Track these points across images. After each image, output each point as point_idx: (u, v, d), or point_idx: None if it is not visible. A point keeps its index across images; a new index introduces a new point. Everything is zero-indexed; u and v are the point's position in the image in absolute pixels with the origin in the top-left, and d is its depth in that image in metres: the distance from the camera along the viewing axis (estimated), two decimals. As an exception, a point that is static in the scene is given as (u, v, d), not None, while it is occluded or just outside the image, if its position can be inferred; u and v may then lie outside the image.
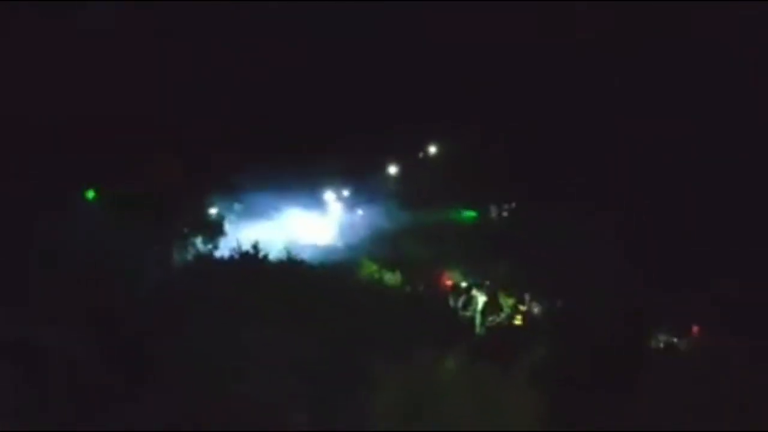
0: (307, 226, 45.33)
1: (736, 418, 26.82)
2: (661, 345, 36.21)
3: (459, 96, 45.77)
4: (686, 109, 43.01)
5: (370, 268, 37.79)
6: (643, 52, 44.29)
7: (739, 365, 29.70)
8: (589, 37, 44.14)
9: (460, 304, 37.14)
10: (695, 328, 36.80)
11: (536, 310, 36.51)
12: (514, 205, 47.07)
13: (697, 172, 42.14)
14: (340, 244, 43.67)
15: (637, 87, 44.04)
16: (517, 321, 36.52)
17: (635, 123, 43.27)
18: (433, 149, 48.92)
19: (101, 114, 37.95)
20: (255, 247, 36.25)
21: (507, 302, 36.84)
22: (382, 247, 41.09)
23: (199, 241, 38.55)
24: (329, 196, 46.98)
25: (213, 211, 39.81)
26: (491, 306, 37.00)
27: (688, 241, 39.97)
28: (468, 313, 36.61)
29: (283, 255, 36.68)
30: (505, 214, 47.01)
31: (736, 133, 42.19)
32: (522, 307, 36.70)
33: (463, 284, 38.00)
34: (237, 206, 42.70)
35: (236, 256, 35.93)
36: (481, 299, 37.25)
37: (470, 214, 46.73)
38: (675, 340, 36.61)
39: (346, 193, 46.45)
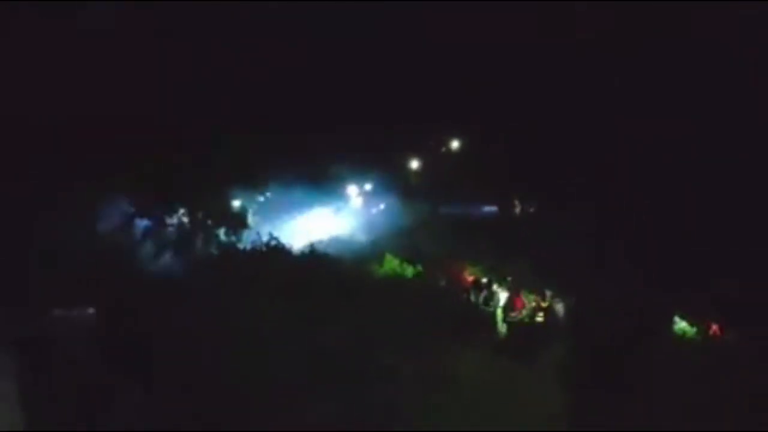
0: (330, 220, 45.51)
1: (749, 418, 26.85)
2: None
3: (481, 92, 45.79)
4: (688, 108, 42.82)
5: (392, 263, 37.78)
6: (643, 52, 44.06)
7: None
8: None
9: (481, 299, 37.00)
10: (714, 326, 36.62)
11: (558, 306, 36.29)
12: (536, 202, 47.06)
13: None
14: (362, 237, 43.74)
15: (641, 86, 43.82)
16: (539, 318, 36.37)
17: (644, 123, 43.20)
18: (455, 144, 48.97)
19: (121, 111, 38.04)
20: (278, 239, 36.51)
21: (529, 298, 36.72)
22: (403, 241, 41.15)
23: (222, 233, 38.67)
24: (351, 190, 47.12)
25: (236, 203, 39.89)
26: (513, 302, 36.84)
27: (702, 238, 39.79)
28: (489, 309, 36.50)
29: (305, 248, 36.84)
30: (531, 210, 47.06)
31: (736, 133, 41.98)
32: (543, 304, 36.50)
33: (484, 280, 37.83)
34: (260, 199, 42.89)
35: (259, 249, 36.15)
36: (502, 295, 37.14)
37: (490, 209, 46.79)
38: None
39: (368, 187, 46.60)
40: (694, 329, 36.40)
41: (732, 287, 36.79)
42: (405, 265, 37.86)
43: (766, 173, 40.58)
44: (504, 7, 44.03)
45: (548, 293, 36.70)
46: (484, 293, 36.95)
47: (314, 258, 35.82)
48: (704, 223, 40.33)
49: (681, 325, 36.43)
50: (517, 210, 46.77)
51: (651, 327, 34.46)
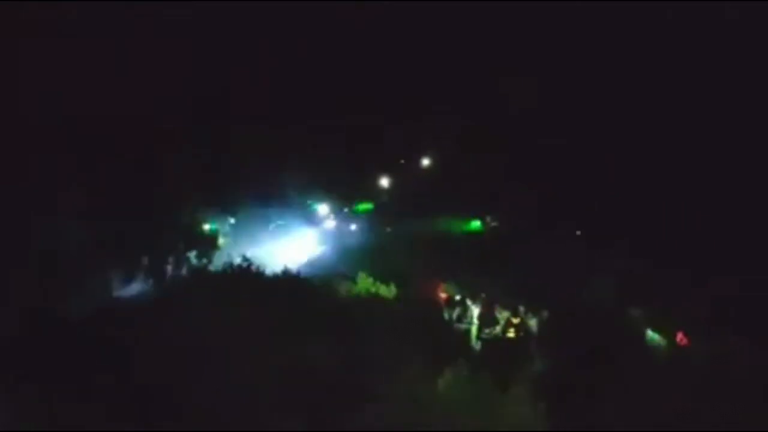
0: (302, 241, 45.38)
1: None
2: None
3: (449, 106, 45.95)
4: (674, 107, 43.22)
5: (366, 282, 37.74)
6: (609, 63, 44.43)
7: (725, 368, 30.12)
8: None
9: (455, 316, 37.03)
10: (680, 335, 36.95)
11: (531, 321, 36.39)
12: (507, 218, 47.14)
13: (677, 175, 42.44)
14: (334, 257, 43.62)
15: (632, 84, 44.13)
16: (510, 334, 36.40)
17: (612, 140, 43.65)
18: (425, 161, 49.05)
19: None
20: (249, 261, 36.40)
21: (502, 315, 36.79)
22: (376, 260, 41.10)
23: (193, 256, 38.52)
24: (323, 209, 47.01)
25: (207, 226, 39.76)
26: (486, 318, 36.88)
27: (669, 252, 40.10)
28: (463, 326, 36.53)
29: (277, 269, 36.72)
30: (494, 224, 47.11)
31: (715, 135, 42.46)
32: (515, 320, 36.55)
33: (458, 297, 37.85)
34: (231, 221, 42.71)
35: (230, 271, 36.01)
36: (476, 311, 37.17)
37: (475, 224, 46.82)
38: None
39: (340, 206, 46.47)
40: (662, 339, 36.75)
41: (698, 299, 37.20)
42: (378, 283, 37.84)
43: (730, 190, 41.02)
44: (468, 24, 44.38)
45: (521, 309, 36.79)
46: (457, 310, 36.99)
47: (287, 279, 35.71)
48: (672, 238, 40.64)
49: (651, 335, 36.71)
50: (489, 226, 46.78)
51: (623, 339, 34.76)
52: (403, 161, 48.86)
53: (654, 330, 36.82)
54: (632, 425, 27.72)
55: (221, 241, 39.60)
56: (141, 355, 27.79)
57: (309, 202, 45.46)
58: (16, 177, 34.65)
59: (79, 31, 37.88)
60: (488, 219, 47.34)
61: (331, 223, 46.89)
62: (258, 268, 36.06)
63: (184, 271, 38.09)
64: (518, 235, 44.07)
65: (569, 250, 40.98)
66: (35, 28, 36.90)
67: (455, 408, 26.33)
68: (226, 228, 41.00)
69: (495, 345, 35.56)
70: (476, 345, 35.87)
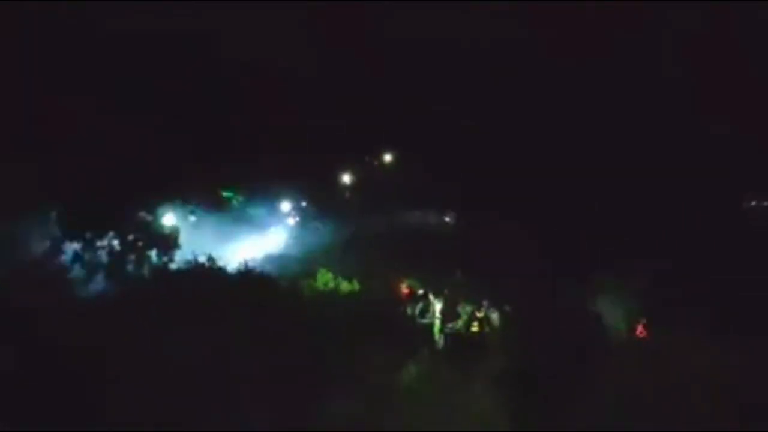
0: (263, 237, 45.26)
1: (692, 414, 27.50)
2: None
3: (411, 107, 46.12)
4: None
5: (326, 277, 37.74)
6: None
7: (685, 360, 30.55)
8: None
9: (417, 311, 37.04)
10: (640, 326, 37.38)
11: (494, 315, 36.54)
12: (467, 213, 47.43)
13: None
14: (296, 254, 43.56)
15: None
16: (474, 328, 36.50)
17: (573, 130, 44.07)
18: (387, 157, 49.15)
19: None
20: (210, 258, 36.20)
21: (465, 309, 36.88)
22: (338, 256, 41.14)
23: (153, 254, 38.15)
24: (285, 206, 46.87)
25: (168, 223, 39.38)
26: (449, 313, 36.95)
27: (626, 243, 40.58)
28: (426, 321, 36.56)
29: (239, 266, 36.57)
30: (447, 219, 47.32)
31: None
32: (479, 314, 36.66)
33: (420, 291, 37.91)
34: (191, 218, 42.42)
35: (191, 268, 35.79)
36: (438, 306, 37.24)
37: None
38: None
39: (301, 203, 46.40)
40: (622, 331, 37.15)
41: (656, 289, 37.69)
42: (339, 279, 37.84)
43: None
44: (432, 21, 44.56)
45: (484, 303, 36.91)
46: (420, 305, 37.01)
47: (248, 276, 35.56)
48: (630, 227, 41.13)
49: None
50: (449, 221, 47.01)
51: (586, 331, 35.09)
52: (366, 158, 48.94)
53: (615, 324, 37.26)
54: (595, 416, 28.02)
55: (182, 238, 39.16)
56: (103, 357, 27.50)
57: (271, 198, 45.36)
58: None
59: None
60: (449, 215, 47.59)
61: (292, 220, 46.80)
62: (219, 266, 35.93)
63: (144, 270, 37.68)
64: (479, 231, 44.31)
65: (529, 246, 41.30)
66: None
67: (418, 401, 26.40)
68: (187, 225, 40.66)
69: (458, 339, 35.66)
70: (439, 339, 35.92)
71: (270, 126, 43.30)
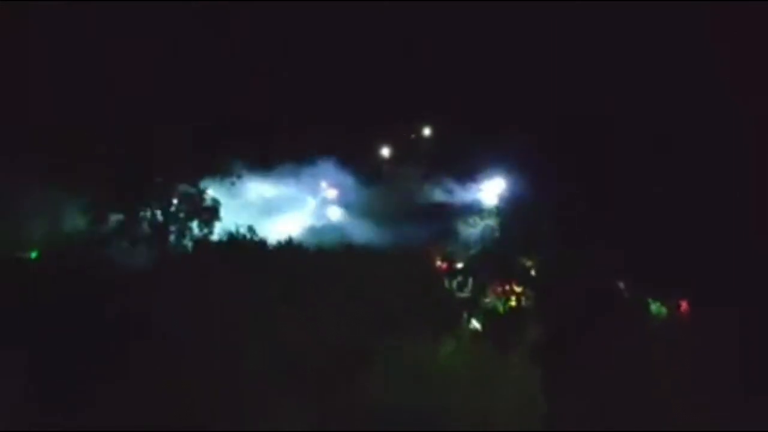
0: (302, 212, 45.40)
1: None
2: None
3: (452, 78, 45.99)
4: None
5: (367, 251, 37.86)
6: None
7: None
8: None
9: (455, 285, 37.22)
10: (684, 304, 37.35)
11: (529, 293, 36.71)
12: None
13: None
14: (334, 228, 43.65)
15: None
16: (512, 302, 36.70)
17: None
18: (427, 131, 48.92)
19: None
20: (252, 230, 36.49)
21: (499, 285, 37.11)
22: (376, 230, 41.22)
23: (195, 226, 38.50)
24: (323, 180, 46.92)
25: (208, 195, 39.69)
26: (485, 288, 37.16)
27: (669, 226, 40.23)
28: (464, 295, 36.73)
29: (279, 240, 36.82)
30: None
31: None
32: (517, 288, 36.86)
33: (459, 266, 38.05)
34: (233, 190, 42.62)
35: (233, 241, 36.15)
36: (472, 281, 37.45)
37: None
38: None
39: (340, 177, 46.36)
40: (664, 309, 37.13)
41: (698, 269, 37.49)
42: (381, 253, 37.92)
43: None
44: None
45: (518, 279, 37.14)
46: (458, 279, 37.19)
47: (289, 249, 35.84)
48: (671, 211, 40.73)
49: (654, 305, 37.06)
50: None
51: (621, 309, 35.14)
52: (408, 133, 48.79)
53: (654, 300, 37.20)
54: (626, 391, 28.20)
55: (222, 211, 39.49)
56: (145, 326, 28.05)
57: (310, 173, 45.42)
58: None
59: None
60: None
61: (332, 193, 46.89)
62: (260, 238, 36.24)
63: (186, 240, 38.08)
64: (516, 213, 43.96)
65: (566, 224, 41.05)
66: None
67: (456, 373, 26.68)
68: (228, 197, 40.93)
69: (494, 314, 35.82)
70: (476, 314, 36.08)
71: (311, 99, 43.47)
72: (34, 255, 35.20)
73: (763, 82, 39.59)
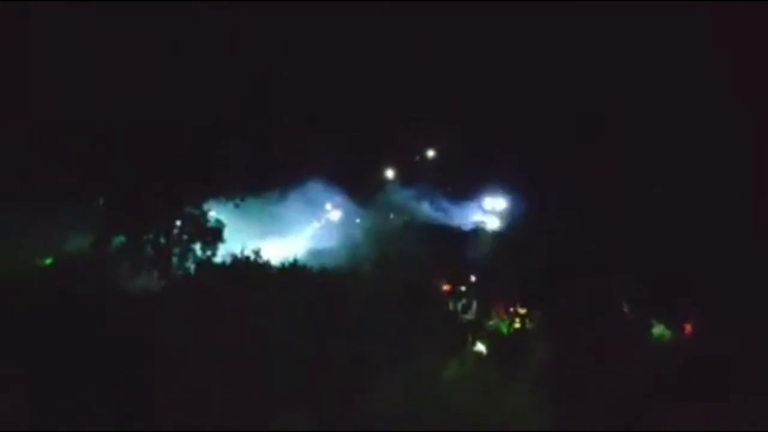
0: (307, 232, 45.42)
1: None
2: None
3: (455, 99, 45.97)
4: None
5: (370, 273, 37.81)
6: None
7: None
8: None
9: (459, 307, 37.16)
10: (688, 327, 37.23)
11: (534, 313, 36.59)
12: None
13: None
14: (339, 249, 43.60)
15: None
16: (517, 324, 36.62)
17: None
18: (431, 153, 48.97)
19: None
20: (256, 253, 36.44)
21: (504, 308, 37.02)
22: (381, 252, 41.13)
23: (198, 248, 38.45)
24: (329, 201, 46.94)
25: (211, 216, 39.68)
26: (489, 310, 37.09)
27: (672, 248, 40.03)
28: (468, 317, 36.67)
29: (284, 261, 36.78)
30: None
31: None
32: (521, 311, 36.75)
33: (463, 288, 37.98)
34: (236, 212, 42.56)
35: (237, 263, 36.10)
36: (476, 304, 37.38)
37: None
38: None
39: (344, 198, 46.39)
40: (669, 332, 37.06)
41: (702, 292, 37.40)
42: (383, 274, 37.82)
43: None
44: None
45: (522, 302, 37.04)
46: (463, 301, 37.12)
47: (293, 271, 35.79)
48: (677, 233, 40.57)
49: (659, 329, 36.94)
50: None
51: (623, 331, 35.02)
52: (412, 155, 48.86)
53: (659, 322, 37.06)
54: (631, 414, 28.06)
55: (225, 233, 39.44)
56: (148, 348, 27.95)
57: (314, 195, 45.42)
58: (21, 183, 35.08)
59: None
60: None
61: (336, 215, 46.90)
62: (263, 260, 36.19)
63: (189, 263, 38.01)
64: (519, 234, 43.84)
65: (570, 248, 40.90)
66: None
67: (460, 395, 26.55)
68: (231, 219, 40.89)
69: (499, 337, 35.71)
70: (481, 336, 35.94)
71: (315, 122, 43.49)
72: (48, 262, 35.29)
73: (763, 82, 39.60)
